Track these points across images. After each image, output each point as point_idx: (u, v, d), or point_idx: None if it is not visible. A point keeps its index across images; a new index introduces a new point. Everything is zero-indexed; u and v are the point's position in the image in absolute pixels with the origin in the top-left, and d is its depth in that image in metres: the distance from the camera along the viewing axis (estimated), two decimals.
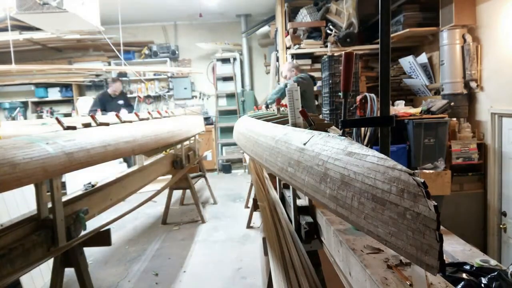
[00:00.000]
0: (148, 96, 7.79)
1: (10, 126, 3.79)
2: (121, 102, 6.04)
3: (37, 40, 6.36)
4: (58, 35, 6.03)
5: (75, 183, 4.82)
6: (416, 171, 3.27)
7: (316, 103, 5.11)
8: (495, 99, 3.40)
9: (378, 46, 1.42)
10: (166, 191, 4.33)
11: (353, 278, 1.13)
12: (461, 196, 3.48)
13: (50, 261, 2.13)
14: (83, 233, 2.19)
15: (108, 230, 2.33)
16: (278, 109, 2.64)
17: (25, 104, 7.50)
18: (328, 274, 1.63)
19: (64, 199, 2.11)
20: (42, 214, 1.91)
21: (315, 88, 5.00)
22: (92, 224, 2.34)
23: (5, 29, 4.96)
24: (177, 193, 4.98)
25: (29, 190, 2.68)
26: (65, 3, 3.20)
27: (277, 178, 2.46)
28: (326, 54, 4.53)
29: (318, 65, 4.90)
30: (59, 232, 1.91)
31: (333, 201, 0.92)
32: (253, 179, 3.74)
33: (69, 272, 2.21)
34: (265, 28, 7.07)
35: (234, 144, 7.31)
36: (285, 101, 2.08)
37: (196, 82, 8.08)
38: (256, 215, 4.25)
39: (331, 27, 4.93)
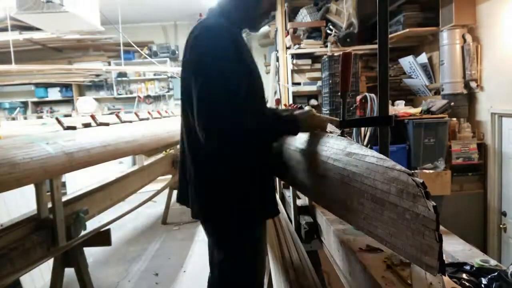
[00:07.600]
0: (148, 96, 7.78)
1: (10, 126, 3.78)
2: None
3: (37, 40, 6.35)
4: (58, 35, 6.03)
5: (75, 183, 4.82)
6: (416, 171, 3.27)
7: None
8: (495, 99, 3.39)
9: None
10: (166, 191, 4.33)
11: (353, 278, 1.13)
12: (461, 196, 3.47)
13: (50, 261, 2.13)
14: (83, 233, 2.19)
15: (108, 230, 2.33)
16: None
17: (25, 104, 7.50)
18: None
19: (64, 199, 2.11)
20: (42, 214, 1.91)
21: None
22: (92, 224, 2.34)
23: (5, 29, 4.96)
24: None
25: (29, 190, 2.67)
26: (65, 3, 3.20)
27: (277, 178, 2.47)
28: (326, 54, 4.52)
29: (318, 65, 4.89)
30: (59, 232, 1.91)
31: (333, 201, 0.92)
32: None
33: (69, 272, 2.21)
34: (265, 28, 7.05)
35: None
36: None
37: None
38: None
39: (331, 27, 4.92)
